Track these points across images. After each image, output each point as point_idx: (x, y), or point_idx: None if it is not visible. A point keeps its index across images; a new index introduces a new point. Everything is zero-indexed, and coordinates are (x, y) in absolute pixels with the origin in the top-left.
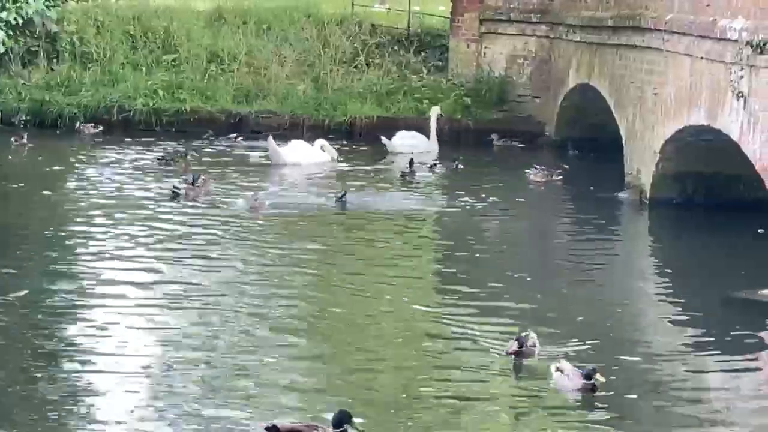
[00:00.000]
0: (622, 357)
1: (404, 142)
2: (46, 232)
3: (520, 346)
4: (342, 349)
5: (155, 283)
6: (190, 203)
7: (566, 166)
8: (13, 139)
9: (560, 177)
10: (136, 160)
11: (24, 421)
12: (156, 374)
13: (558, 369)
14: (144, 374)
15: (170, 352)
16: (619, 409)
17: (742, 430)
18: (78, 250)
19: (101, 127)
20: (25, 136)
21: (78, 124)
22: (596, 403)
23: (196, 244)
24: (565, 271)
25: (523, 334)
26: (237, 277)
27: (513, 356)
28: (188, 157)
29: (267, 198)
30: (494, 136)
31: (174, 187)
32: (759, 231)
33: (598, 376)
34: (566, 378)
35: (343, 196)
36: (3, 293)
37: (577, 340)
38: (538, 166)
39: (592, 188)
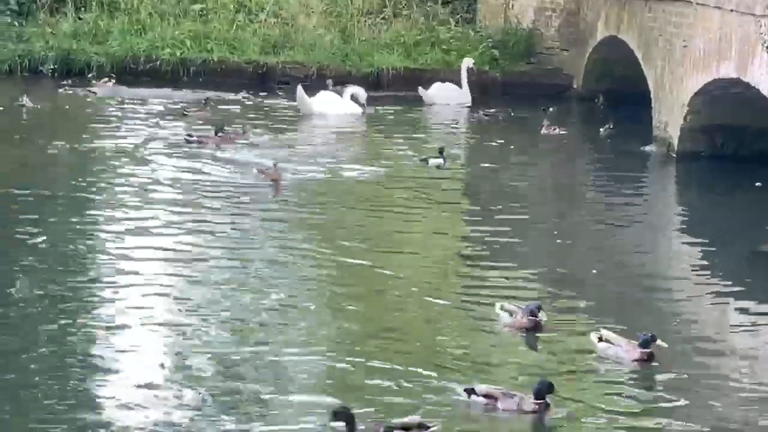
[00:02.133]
0: (642, 308)
1: (440, 93)
2: (59, 186)
3: (532, 315)
4: (370, 309)
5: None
6: (210, 156)
7: (610, 126)
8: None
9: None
10: (157, 109)
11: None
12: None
13: (602, 339)
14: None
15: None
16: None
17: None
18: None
19: (114, 80)
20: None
21: (90, 77)
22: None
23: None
24: (591, 224)
25: (532, 306)
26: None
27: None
28: (208, 107)
29: (286, 167)
30: (545, 122)
31: (188, 134)
32: (756, 185)
33: (659, 342)
34: (620, 350)
35: (441, 152)
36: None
37: (600, 295)
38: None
39: (619, 142)
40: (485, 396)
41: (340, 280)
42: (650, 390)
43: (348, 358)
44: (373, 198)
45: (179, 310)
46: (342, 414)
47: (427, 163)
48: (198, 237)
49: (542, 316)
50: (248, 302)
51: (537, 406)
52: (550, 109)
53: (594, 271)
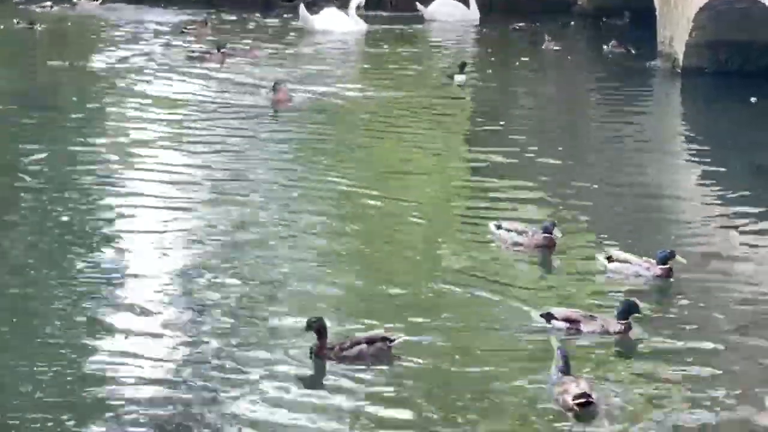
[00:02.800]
0: (649, 225)
1: (441, 9)
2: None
3: (547, 232)
4: (372, 240)
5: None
6: (213, 73)
7: (617, 44)
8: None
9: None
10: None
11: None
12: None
13: (611, 259)
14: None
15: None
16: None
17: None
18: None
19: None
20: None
21: None
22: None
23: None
24: (596, 141)
25: (547, 223)
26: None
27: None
28: (208, 24)
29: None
30: (546, 38)
31: (190, 51)
32: (752, 100)
33: (678, 257)
34: (640, 267)
35: (462, 68)
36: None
37: (606, 213)
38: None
39: (625, 58)
40: (566, 320)
41: (343, 202)
42: (670, 305)
43: (348, 276)
44: (378, 119)
45: (177, 231)
46: (314, 323)
47: (453, 80)
48: (200, 157)
49: (557, 233)
50: (248, 219)
51: (622, 327)
52: (571, 23)
53: (595, 186)
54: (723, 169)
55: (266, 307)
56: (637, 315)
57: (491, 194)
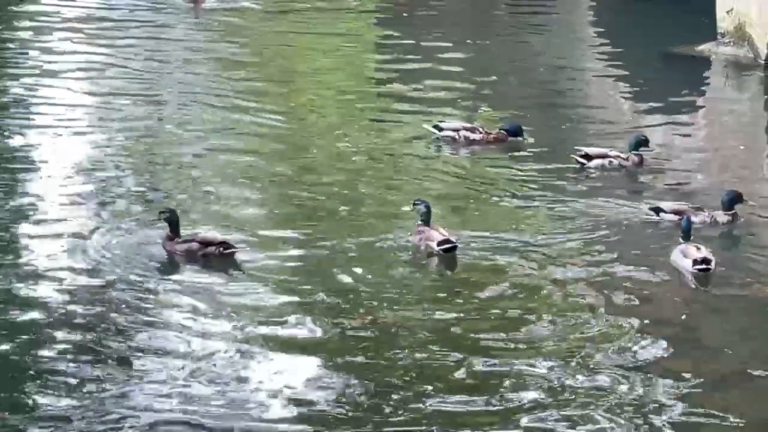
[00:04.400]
0: (559, 114)
1: None
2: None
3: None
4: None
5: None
6: None
7: None
8: None
9: None
10: None
11: None
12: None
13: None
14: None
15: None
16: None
17: (676, 173)
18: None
19: None
20: None
21: None
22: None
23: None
24: (504, 32)
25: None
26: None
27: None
28: None
29: None
30: None
31: None
32: None
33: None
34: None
35: None
36: None
37: (517, 100)
38: None
39: None
40: (675, 212)
41: (257, 103)
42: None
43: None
44: (291, 20)
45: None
46: (164, 213)
47: None
48: (114, 58)
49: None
50: (158, 122)
51: (730, 218)
52: None
53: (511, 79)
54: (631, 55)
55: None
56: (740, 205)
57: (406, 87)
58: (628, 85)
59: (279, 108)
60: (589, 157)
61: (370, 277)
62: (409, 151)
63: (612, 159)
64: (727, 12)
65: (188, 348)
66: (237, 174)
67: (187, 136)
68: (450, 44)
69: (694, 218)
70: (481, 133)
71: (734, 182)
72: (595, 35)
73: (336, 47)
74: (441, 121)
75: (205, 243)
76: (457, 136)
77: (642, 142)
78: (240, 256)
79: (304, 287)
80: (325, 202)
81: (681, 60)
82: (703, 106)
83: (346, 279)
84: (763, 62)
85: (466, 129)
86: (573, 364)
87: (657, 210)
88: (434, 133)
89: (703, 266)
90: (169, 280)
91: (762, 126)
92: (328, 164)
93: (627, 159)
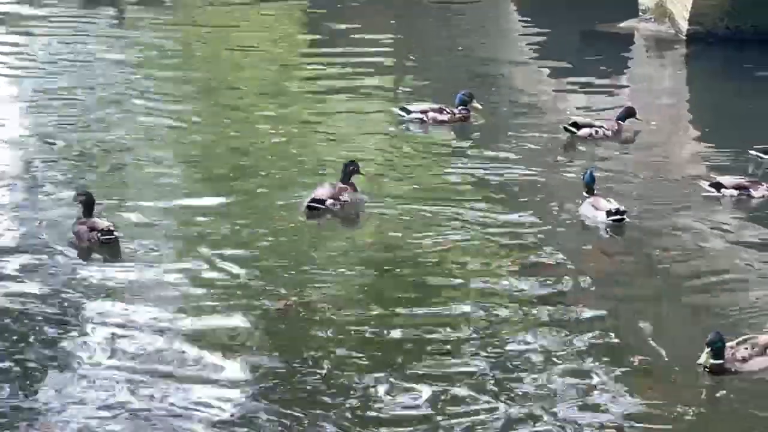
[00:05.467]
0: (485, 97)
1: None
2: None
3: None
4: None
5: None
6: None
7: None
8: None
9: None
10: None
11: None
12: None
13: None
14: None
15: None
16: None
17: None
18: None
19: None
20: None
21: None
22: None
23: None
24: (431, 22)
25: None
26: None
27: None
28: None
29: None
30: None
31: None
32: None
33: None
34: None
35: None
36: None
37: (442, 82)
38: None
39: None
40: (736, 187)
41: (183, 93)
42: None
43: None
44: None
45: None
46: (79, 196)
47: None
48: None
49: (476, 104)
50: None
51: None
52: None
53: (435, 60)
54: (553, 33)
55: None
56: None
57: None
58: (551, 64)
59: (203, 96)
60: (578, 125)
61: (293, 254)
62: (327, 130)
63: (598, 129)
64: None
65: (101, 344)
66: (161, 157)
67: (110, 123)
68: (377, 31)
69: (754, 192)
70: (448, 113)
71: (657, 158)
72: (518, 15)
73: (264, 39)
74: (407, 104)
75: (92, 228)
76: (425, 118)
77: (631, 113)
78: (156, 242)
79: (226, 271)
80: (246, 177)
81: (603, 37)
82: (626, 84)
83: (267, 259)
84: (684, 38)
85: (434, 110)
86: (508, 345)
87: (718, 186)
88: (402, 115)
89: (617, 217)
90: (80, 265)
91: (684, 100)
92: (252, 145)
93: (612, 129)
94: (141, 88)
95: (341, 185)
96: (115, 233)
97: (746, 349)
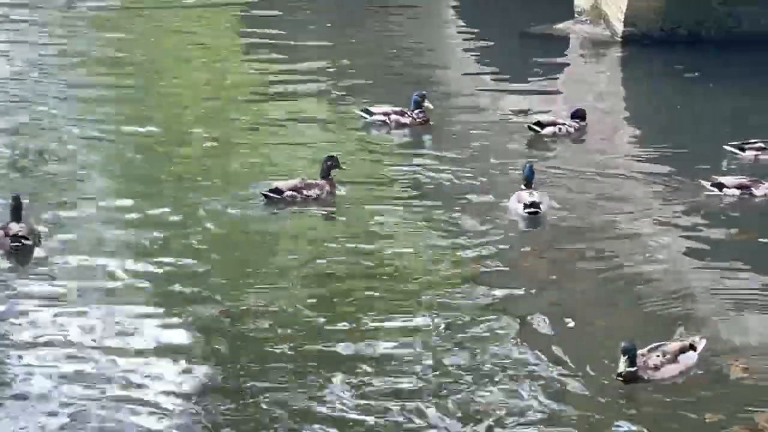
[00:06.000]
0: (414, 85)
1: None
2: None
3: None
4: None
5: None
6: None
7: None
8: None
9: None
10: None
11: None
12: None
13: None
14: None
15: None
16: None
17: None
18: None
19: None
20: None
21: None
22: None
23: None
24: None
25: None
26: None
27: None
28: None
29: None
30: None
31: None
32: None
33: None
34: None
35: None
36: None
37: (380, 74)
38: None
39: None
40: (737, 187)
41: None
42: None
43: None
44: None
45: None
46: (15, 198)
47: None
48: None
49: (428, 104)
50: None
51: None
52: None
53: (374, 63)
54: (490, 35)
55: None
56: None
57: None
58: (486, 66)
59: (146, 99)
60: (542, 124)
61: (231, 262)
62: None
63: (561, 126)
64: None
65: (27, 356)
66: (92, 163)
67: (53, 126)
68: (317, 33)
69: (755, 191)
70: (409, 116)
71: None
72: (456, 18)
73: (204, 41)
74: (370, 106)
75: (6, 234)
76: (387, 120)
77: (582, 114)
78: (86, 248)
79: (162, 281)
80: (182, 183)
81: (539, 39)
82: (562, 85)
83: (203, 266)
84: (619, 39)
85: (396, 113)
86: (443, 356)
87: (720, 186)
88: (364, 117)
89: (532, 209)
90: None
91: (619, 100)
92: (186, 151)
93: (574, 126)
94: (70, 92)
95: (309, 181)
96: (24, 240)
97: (658, 356)
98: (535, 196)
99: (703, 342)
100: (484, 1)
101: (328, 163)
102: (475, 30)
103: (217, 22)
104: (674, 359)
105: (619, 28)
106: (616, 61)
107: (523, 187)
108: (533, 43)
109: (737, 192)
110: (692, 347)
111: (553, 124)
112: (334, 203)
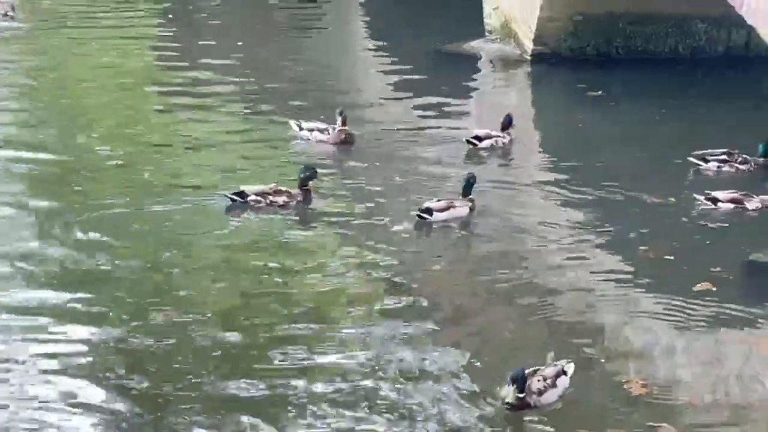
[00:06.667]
0: (338, 98)
1: None
2: None
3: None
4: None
5: None
6: None
7: None
8: None
9: None
10: None
11: None
12: None
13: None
14: None
15: None
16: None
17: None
18: None
19: None
20: None
21: None
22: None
23: None
24: (283, 38)
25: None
26: None
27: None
28: None
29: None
30: None
31: None
32: None
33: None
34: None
35: None
36: None
37: (300, 89)
38: None
39: None
40: (731, 201)
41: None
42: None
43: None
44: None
45: None
46: None
47: None
48: None
49: (341, 119)
50: None
51: None
52: None
53: (282, 78)
54: (403, 52)
55: None
56: None
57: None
58: (398, 84)
59: (56, 114)
60: (479, 138)
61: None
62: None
63: (497, 139)
64: (494, 9)
65: None
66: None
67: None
68: (227, 45)
69: (748, 205)
70: (329, 134)
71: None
72: (367, 36)
73: (116, 49)
74: (301, 120)
75: None
76: (310, 136)
77: (510, 121)
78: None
79: (100, 283)
80: (107, 191)
81: (450, 58)
82: (473, 103)
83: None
84: (529, 58)
85: (320, 130)
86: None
87: (714, 200)
88: (296, 130)
89: (425, 215)
90: None
91: (529, 119)
92: (95, 165)
93: (507, 138)
94: None
95: (280, 188)
96: None
97: (539, 381)
98: (442, 204)
99: (572, 366)
100: (394, 20)
101: (307, 173)
102: (385, 47)
103: (125, 42)
104: (554, 384)
105: (529, 46)
106: (524, 79)
107: (459, 197)
108: (444, 61)
109: (731, 206)
110: (564, 372)
111: (489, 137)
112: (298, 214)
